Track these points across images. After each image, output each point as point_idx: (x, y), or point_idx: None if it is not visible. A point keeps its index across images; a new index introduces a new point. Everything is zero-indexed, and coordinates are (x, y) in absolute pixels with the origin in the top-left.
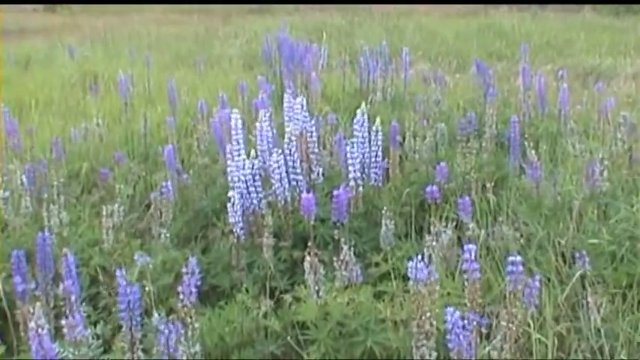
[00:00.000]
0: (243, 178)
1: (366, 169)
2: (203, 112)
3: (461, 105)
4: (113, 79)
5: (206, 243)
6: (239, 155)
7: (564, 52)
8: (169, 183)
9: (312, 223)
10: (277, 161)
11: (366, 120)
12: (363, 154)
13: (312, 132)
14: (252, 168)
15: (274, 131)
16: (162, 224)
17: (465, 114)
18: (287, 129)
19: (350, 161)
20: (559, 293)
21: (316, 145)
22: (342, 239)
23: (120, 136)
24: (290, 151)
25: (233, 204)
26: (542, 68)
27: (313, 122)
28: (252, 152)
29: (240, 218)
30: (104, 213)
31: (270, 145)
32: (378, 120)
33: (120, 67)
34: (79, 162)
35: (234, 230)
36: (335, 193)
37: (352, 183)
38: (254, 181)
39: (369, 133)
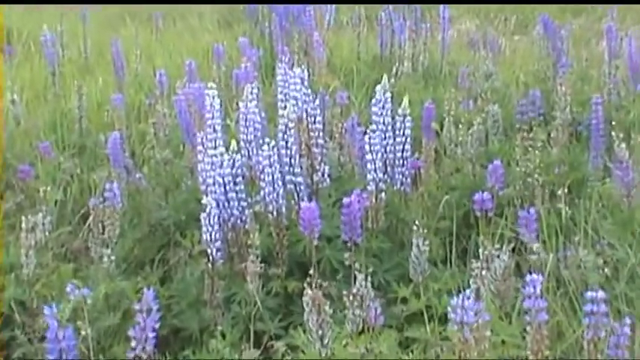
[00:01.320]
0: (220, 179)
1: (389, 169)
2: (163, 86)
3: (521, 79)
4: (35, 38)
5: (167, 269)
6: (215, 148)
7: None
8: (115, 185)
9: (314, 242)
10: (268, 157)
11: (390, 100)
12: (386, 148)
13: (315, 116)
14: (233, 166)
15: (263, 115)
16: (105, 242)
17: (526, 92)
18: (281, 112)
19: (367, 157)
20: None
21: (321, 134)
22: (356, 265)
23: (45, 118)
24: (285, 142)
25: (206, 215)
26: (635, 28)
27: (317, 103)
28: (233, 144)
29: (216, 235)
30: (23, 226)
31: (258, 135)
32: (405, 100)
33: (45, 21)
34: None
35: (207, 252)
36: (346, 201)
37: (370, 187)
38: (235, 183)
39: (394, 119)
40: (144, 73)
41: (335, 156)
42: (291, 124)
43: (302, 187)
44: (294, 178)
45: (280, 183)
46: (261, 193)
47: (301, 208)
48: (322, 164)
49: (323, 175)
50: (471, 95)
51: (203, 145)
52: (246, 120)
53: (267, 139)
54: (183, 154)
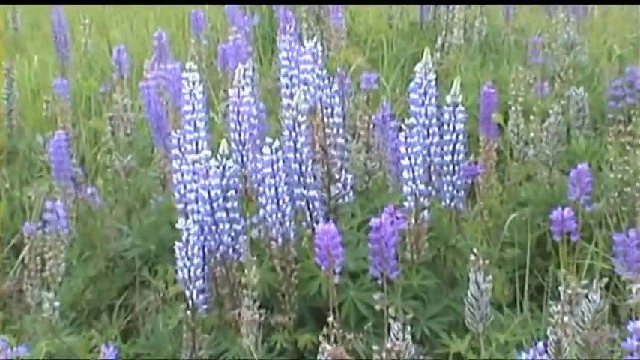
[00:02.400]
0: (204, 194)
1: (433, 178)
2: (122, 68)
3: (615, 52)
4: None
5: (131, 318)
6: (196, 152)
7: None
8: (59, 204)
9: (333, 279)
10: (269, 163)
11: (434, 84)
12: (429, 149)
13: (332, 107)
14: (222, 176)
15: (262, 106)
16: (45, 283)
17: (622, 70)
18: (285, 102)
19: (404, 162)
20: None
21: (341, 131)
22: (391, 311)
23: None
24: (293, 143)
25: (184, 244)
26: None
27: (335, 89)
28: (222, 146)
29: (198, 271)
30: None
31: (255, 133)
32: (456, 83)
33: None
34: None
35: (185, 294)
36: (376, 223)
37: (408, 203)
38: (225, 200)
39: (440, 109)
40: (96, 49)
41: (360, 161)
42: (300, 119)
43: (316, 204)
44: (305, 192)
45: (286, 199)
46: (261, 212)
47: (316, 233)
48: (343, 172)
49: (344, 187)
50: (545, 75)
51: (180, 149)
52: (238, 113)
53: (267, 139)
54: (153, 160)
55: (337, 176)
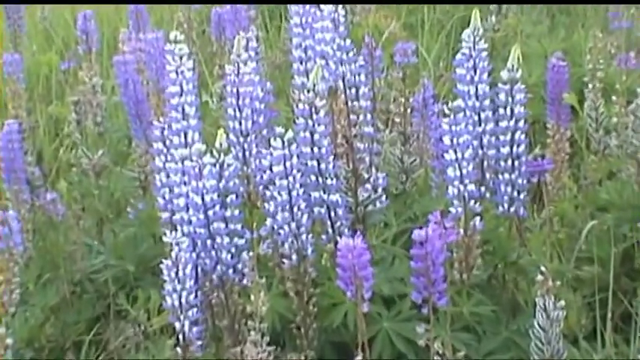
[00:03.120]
0: (197, 200)
1: (487, 175)
2: (90, 39)
3: None
4: None
5: (104, 358)
6: (186, 145)
7: None
8: (12, 214)
9: (363, 307)
10: (279, 160)
11: (487, 55)
12: (481, 139)
13: (358, 86)
14: (220, 176)
15: (268, 86)
16: None
17: None
18: (299, 80)
19: (450, 155)
20: None
21: (370, 118)
22: (437, 346)
23: None
24: (310, 134)
25: (173, 264)
26: None
27: (361, 63)
28: (220, 137)
29: (190, 298)
30: None
31: (261, 121)
32: (515, 54)
33: None
34: None
35: (175, 327)
36: (418, 235)
37: (456, 209)
38: (223, 206)
39: (495, 88)
40: (56, 16)
41: (395, 155)
42: (318, 102)
43: (339, 212)
44: (325, 196)
45: (302, 204)
46: (269, 222)
47: (339, 248)
48: (373, 170)
49: (375, 189)
50: (631, 44)
51: (165, 142)
52: (238, 96)
53: (277, 129)
54: (130, 157)
55: (366, 175)
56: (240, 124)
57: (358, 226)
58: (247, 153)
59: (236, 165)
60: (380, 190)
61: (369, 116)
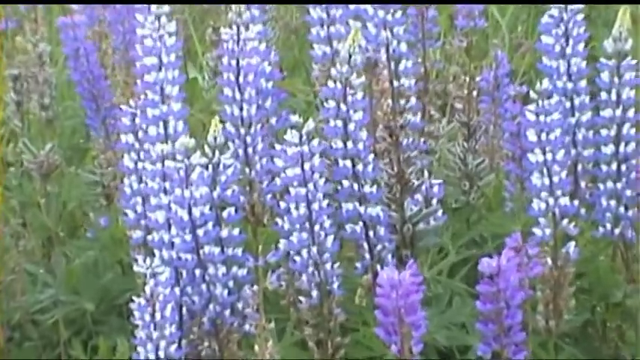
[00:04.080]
0: (182, 214)
1: (583, 184)
2: None
3: None
4: None
5: None
6: (166, 139)
7: None
8: None
9: None
10: (295, 159)
11: (582, 16)
12: (574, 134)
13: (405, 59)
14: (214, 182)
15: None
16: None
17: None
18: (320, 51)
19: (534, 157)
20: None
21: (421, 103)
22: None
23: None
24: (341, 122)
25: (149, 302)
26: None
27: (406, 26)
28: (214, 128)
29: (173, 349)
30: None
31: (270, 106)
32: (622, 16)
33: None
34: None
35: None
36: (488, 266)
37: (542, 230)
38: (217, 224)
39: (594, 64)
40: None
41: (455, 155)
42: (354, 80)
43: (380, 231)
44: (361, 209)
45: (326, 221)
46: (282, 245)
47: (379, 283)
48: (425, 175)
49: (428, 200)
50: None
51: (137, 134)
52: (237, 71)
53: (292, 117)
54: (89, 153)
55: (415, 182)
56: (241, 109)
57: (404, 252)
58: (251, 150)
59: (235, 166)
60: (434, 202)
61: (413, 99)
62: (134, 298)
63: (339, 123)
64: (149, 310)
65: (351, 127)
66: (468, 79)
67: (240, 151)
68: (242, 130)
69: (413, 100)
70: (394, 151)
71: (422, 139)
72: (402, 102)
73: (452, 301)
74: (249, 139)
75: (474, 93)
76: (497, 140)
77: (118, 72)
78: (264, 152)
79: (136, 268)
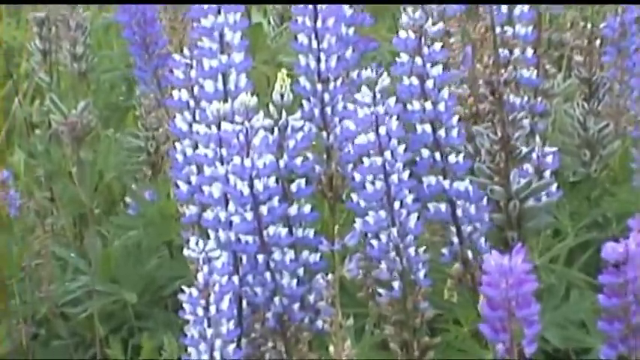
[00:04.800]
0: (243, 189)
1: None
2: None
3: None
4: None
5: None
6: (225, 96)
7: None
8: None
9: None
10: (367, 125)
11: None
12: None
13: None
14: (281, 148)
15: None
16: None
17: None
18: None
19: None
20: None
21: (530, 51)
22: None
23: None
24: (418, 78)
25: (202, 292)
26: None
27: None
28: (282, 85)
29: (231, 350)
30: None
31: (349, 56)
32: None
33: None
34: None
35: None
36: (610, 251)
37: None
38: (284, 199)
39: None
40: None
41: (573, 117)
42: (430, 26)
43: (471, 209)
44: (446, 184)
45: (408, 197)
46: (358, 225)
47: (486, 270)
48: (536, 141)
49: (539, 171)
50: None
51: (191, 89)
52: (315, 15)
53: (365, 72)
54: (131, 113)
55: (524, 149)
56: (318, 60)
57: (510, 234)
58: (329, 110)
59: (310, 129)
60: (547, 174)
61: (529, 51)
62: (184, 288)
63: (415, 80)
64: (202, 303)
65: (429, 84)
66: (588, 25)
67: (316, 112)
68: (318, 87)
69: (520, 50)
70: (497, 112)
71: (532, 98)
72: (507, 52)
73: (568, 295)
74: (326, 97)
75: (596, 43)
76: (623, 100)
77: (167, 16)
78: (343, 113)
79: (186, 251)
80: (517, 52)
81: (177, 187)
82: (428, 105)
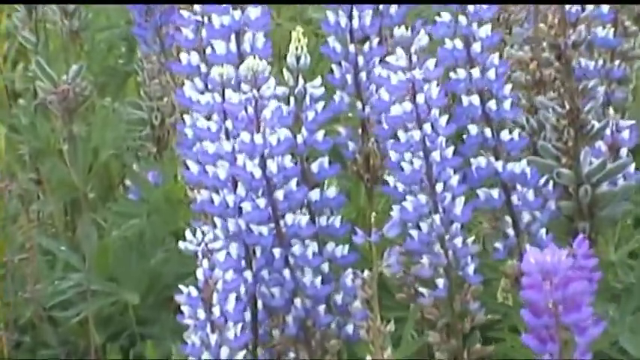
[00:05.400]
0: (254, 171)
1: None
2: None
3: None
4: None
5: None
6: (239, 58)
7: None
8: None
9: None
10: (401, 91)
11: None
12: None
13: None
14: (300, 128)
15: None
16: None
17: None
18: None
19: None
20: None
21: (609, 9)
22: None
23: None
24: (463, 39)
25: (203, 295)
26: None
27: None
28: (297, 48)
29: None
30: None
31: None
32: None
33: None
34: None
35: None
36: None
37: None
38: (303, 183)
39: None
40: None
41: None
42: None
43: (528, 195)
44: (498, 165)
45: (453, 179)
46: (396, 213)
47: (524, 267)
48: (610, 113)
49: (614, 149)
50: None
51: (203, 52)
52: None
53: (396, 31)
54: (131, 79)
55: (596, 123)
56: (351, 17)
57: (580, 224)
58: (363, 76)
59: (341, 97)
60: (624, 152)
61: (604, 6)
62: (189, 289)
63: (459, 44)
64: (202, 305)
65: (476, 47)
66: None
67: (349, 78)
68: (351, 48)
69: (592, 6)
70: (565, 80)
71: (608, 62)
72: (578, 7)
73: None
74: (361, 60)
75: None
76: None
77: None
78: (382, 80)
79: (182, 244)
80: (589, 6)
81: (187, 167)
82: (475, 72)
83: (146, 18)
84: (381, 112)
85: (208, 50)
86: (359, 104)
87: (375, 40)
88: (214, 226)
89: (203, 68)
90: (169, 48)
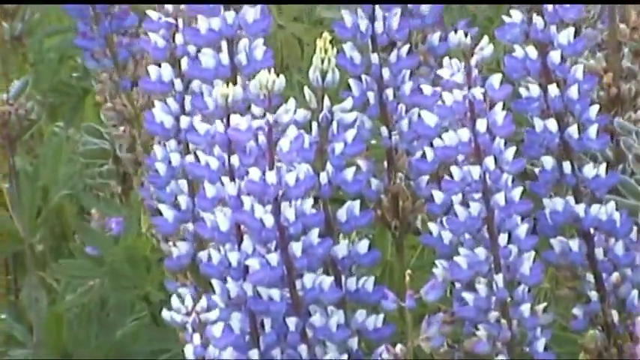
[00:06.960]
0: (264, 217)
1: None
2: None
3: None
4: None
5: None
6: (225, 74)
7: None
8: None
9: None
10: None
11: None
12: None
13: None
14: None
15: None
16: None
17: None
18: None
19: None
20: None
21: None
22: None
23: None
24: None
25: None
26: None
27: None
28: (323, 60)
29: None
30: None
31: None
32: None
33: None
34: None
35: None
36: None
37: None
38: (329, 235)
39: None
40: None
41: None
42: None
43: (615, 249)
44: (579, 209)
45: (521, 228)
46: (439, 271)
47: (637, 334)
48: None
49: None
50: None
51: (178, 62)
52: None
53: (451, 36)
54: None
55: None
56: (373, 19)
57: None
58: (390, 93)
59: (362, 121)
60: None
61: None
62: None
63: (531, 52)
64: None
65: (554, 57)
66: None
67: (371, 96)
68: (374, 58)
69: None
70: None
71: None
72: None
73: None
74: (386, 74)
75: None
76: None
77: None
78: (415, 98)
79: (166, 313)
80: None
81: (159, 213)
82: (553, 89)
83: (94, 21)
84: (420, 141)
85: (185, 62)
86: (384, 130)
87: (405, 48)
88: (210, 290)
89: (178, 85)
90: (124, 61)
